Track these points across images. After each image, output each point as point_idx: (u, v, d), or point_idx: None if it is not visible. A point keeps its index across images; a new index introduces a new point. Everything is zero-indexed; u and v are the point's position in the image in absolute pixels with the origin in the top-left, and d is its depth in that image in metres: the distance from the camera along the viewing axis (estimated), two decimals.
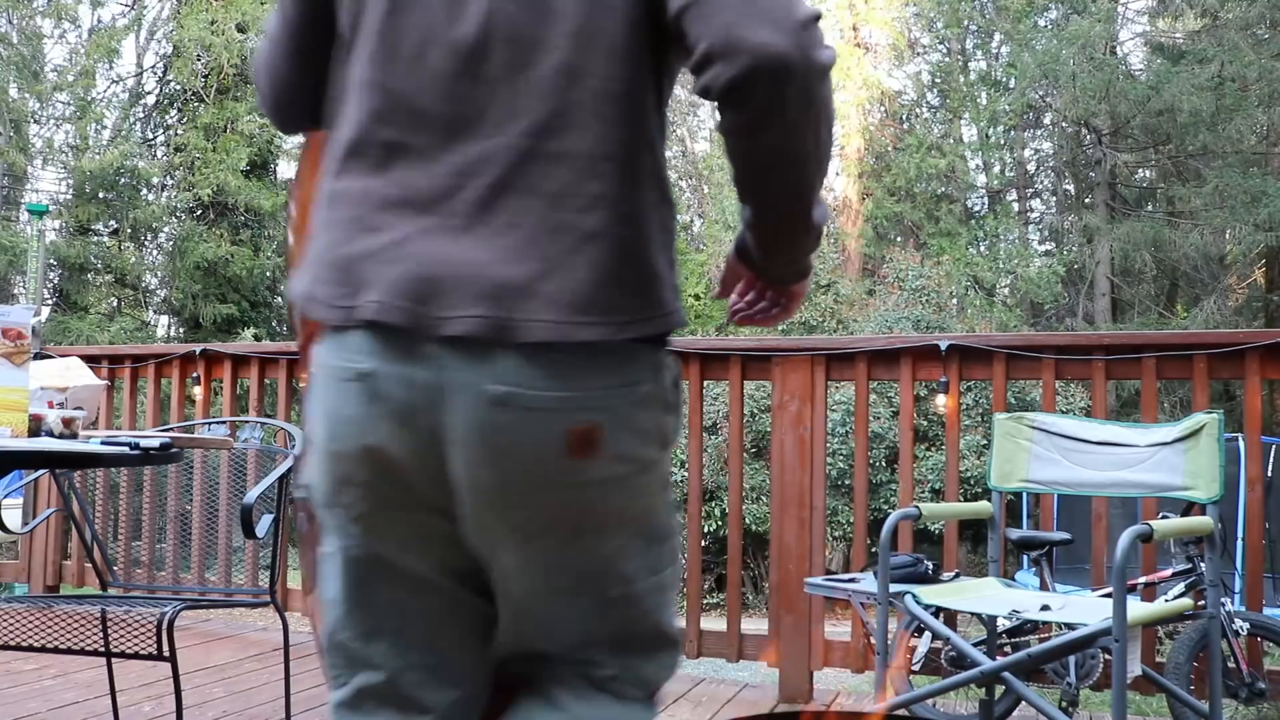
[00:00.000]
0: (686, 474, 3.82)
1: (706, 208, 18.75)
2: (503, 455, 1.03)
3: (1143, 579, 3.42)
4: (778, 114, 0.97)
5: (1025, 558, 7.38)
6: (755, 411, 9.75)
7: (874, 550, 2.99)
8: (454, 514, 1.09)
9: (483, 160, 1.04)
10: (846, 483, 10.54)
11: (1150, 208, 17.46)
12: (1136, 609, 2.28)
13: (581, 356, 1.03)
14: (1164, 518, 3.03)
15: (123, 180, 15.69)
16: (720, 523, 9.96)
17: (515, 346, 1.01)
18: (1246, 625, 2.97)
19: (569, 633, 1.14)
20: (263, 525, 2.37)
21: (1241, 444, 3.24)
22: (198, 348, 4.47)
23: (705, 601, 7.33)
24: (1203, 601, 2.78)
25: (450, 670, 1.16)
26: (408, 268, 1.03)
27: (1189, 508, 2.91)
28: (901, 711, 2.94)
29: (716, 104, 0.99)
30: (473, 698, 1.18)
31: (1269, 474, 7.68)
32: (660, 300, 1.07)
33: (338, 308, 1.06)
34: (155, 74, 17.33)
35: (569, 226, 1.03)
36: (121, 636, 2.09)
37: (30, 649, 2.12)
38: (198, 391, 4.46)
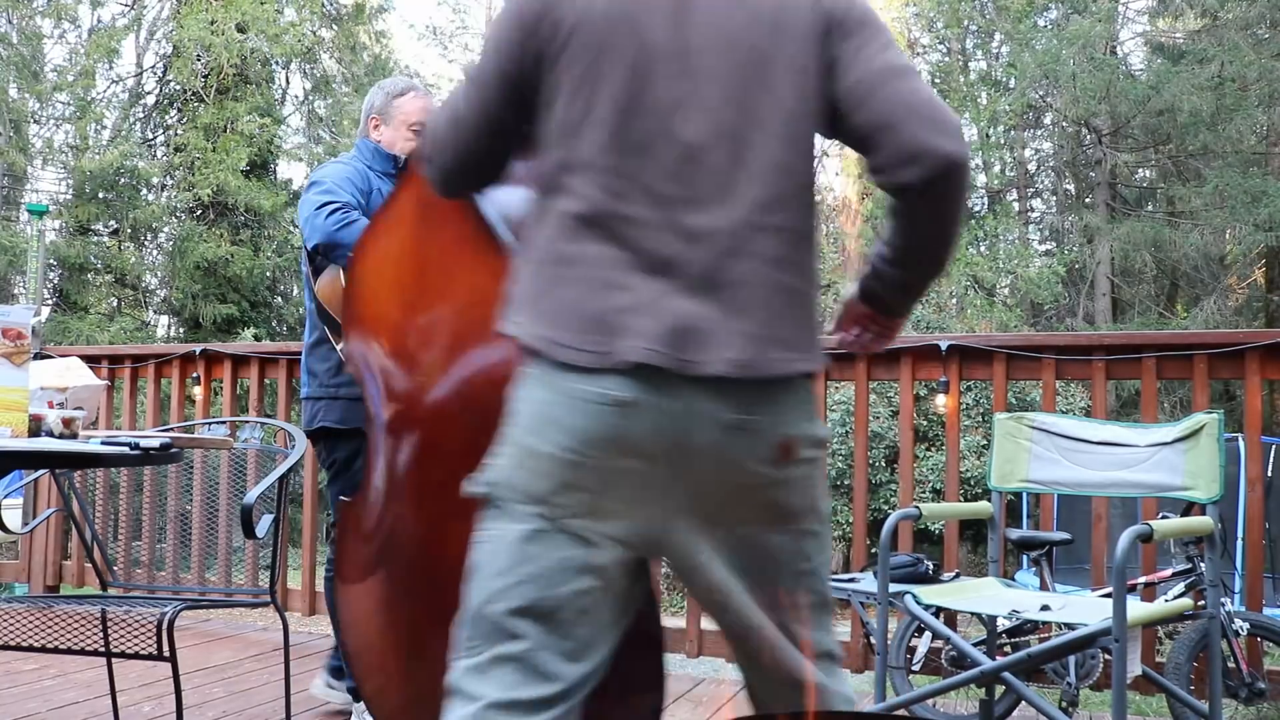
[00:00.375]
0: None
1: None
2: (731, 465, 1.32)
3: (1143, 579, 3.42)
4: (948, 197, 1.31)
5: (1025, 558, 7.38)
6: None
7: (874, 550, 3.00)
8: (660, 516, 1.33)
9: (711, 232, 1.31)
10: (846, 483, 10.54)
11: (1150, 208, 17.44)
12: (1136, 609, 2.28)
13: (785, 387, 1.34)
14: (1164, 518, 3.03)
15: (123, 180, 15.67)
16: None
17: (750, 382, 1.30)
18: (1246, 625, 2.97)
19: (772, 603, 1.39)
20: (263, 525, 2.37)
21: (1241, 444, 3.24)
22: (198, 348, 4.47)
23: None
24: (1203, 601, 2.78)
25: (585, 651, 1.34)
26: (663, 321, 1.29)
27: (1189, 508, 2.91)
28: (901, 711, 2.95)
29: (899, 192, 1.32)
30: (595, 674, 1.37)
31: (1269, 474, 7.67)
32: (820, 341, 1.40)
33: (592, 352, 1.29)
34: (155, 74, 17.32)
35: (783, 286, 1.33)
36: (121, 636, 2.09)
37: (30, 649, 2.12)
38: (198, 391, 4.46)
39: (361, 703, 2.82)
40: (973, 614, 2.82)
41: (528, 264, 1.38)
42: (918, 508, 2.73)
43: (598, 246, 1.32)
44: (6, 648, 2.14)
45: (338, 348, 2.59)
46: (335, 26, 17.80)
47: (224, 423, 3.31)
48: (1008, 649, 3.21)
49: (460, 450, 1.88)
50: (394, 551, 1.98)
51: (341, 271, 2.57)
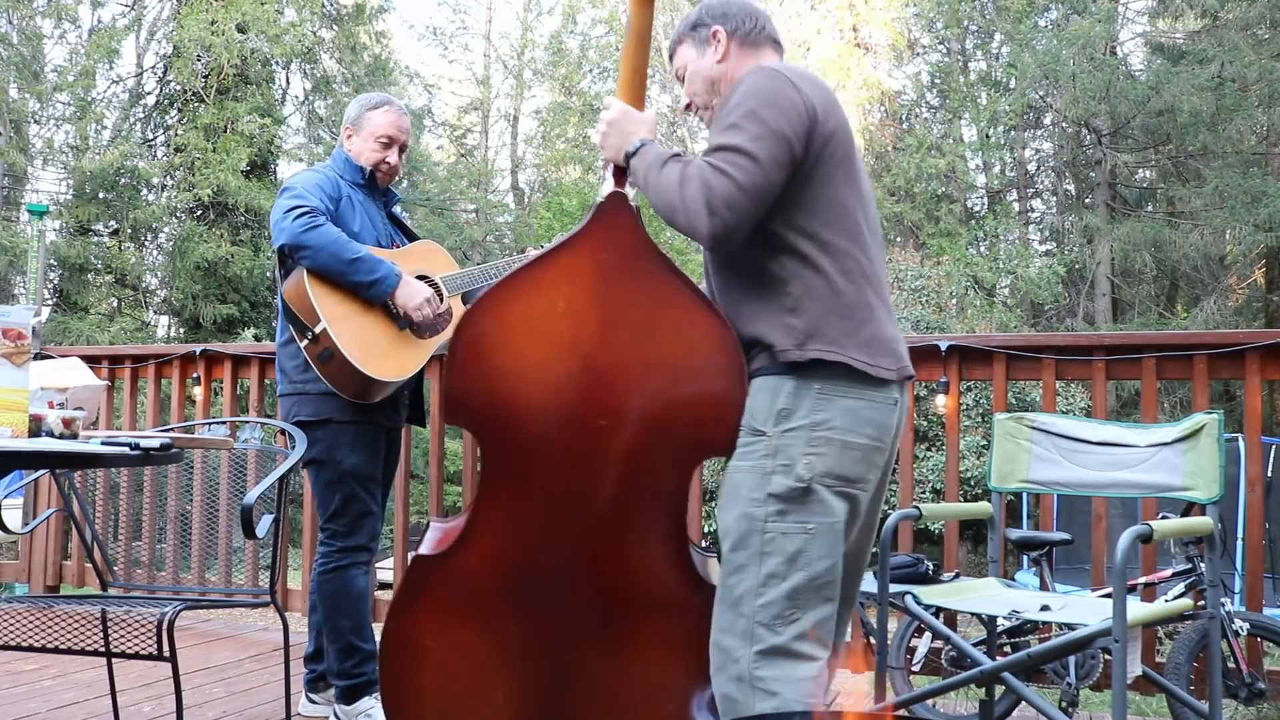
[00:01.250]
0: None
1: None
2: (900, 434, 2.01)
3: (1143, 579, 3.42)
4: None
5: (1025, 558, 7.38)
6: None
7: (874, 550, 2.99)
8: (880, 480, 1.99)
9: (884, 283, 1.98)
10: None
11: (1150, 208, 17.45)
12: (1136, 609, 2.28)
13: None
14: (1164, 518, 3.02)
15: (123, 180, 15.66)
16: None
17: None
18: (1246, 625, 2.97)
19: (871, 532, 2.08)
20: (263, 525, 2.37)
21: (1241, 444, 3.24)
22: (198, 348, 4.47)
23: None
24: (1203, 602, 2.78)
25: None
26: (902, 345, 1.98)
27: (1189, 508, 2.91)
28: (902, 711, 2.95)
29: None
30: None
31: (1269, 474, 7.68)
32: None
33: (894, 369, 1.92)
34: (155, 74, 17.31)
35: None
36: (121, 636, 2.09)
37: (30, 649, 2.13)
38: (198, 391, 4.46)
39: (353, 705, 2.82)
40: (973, 614, 2.82)
41: (826, 308, 1.87)
42: (918, 508, 2.73)
43: (871, 295, 1.92)
44: (6, 648, 2.14)
45: (300, 345, 2.69)
46: (335, 27, 17.80)
47: (224, 423, 3.31)
48: (1008, 649, 3.21)
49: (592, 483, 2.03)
50: (530, 585, 2.07)
51: (305, 272, 2.67)
